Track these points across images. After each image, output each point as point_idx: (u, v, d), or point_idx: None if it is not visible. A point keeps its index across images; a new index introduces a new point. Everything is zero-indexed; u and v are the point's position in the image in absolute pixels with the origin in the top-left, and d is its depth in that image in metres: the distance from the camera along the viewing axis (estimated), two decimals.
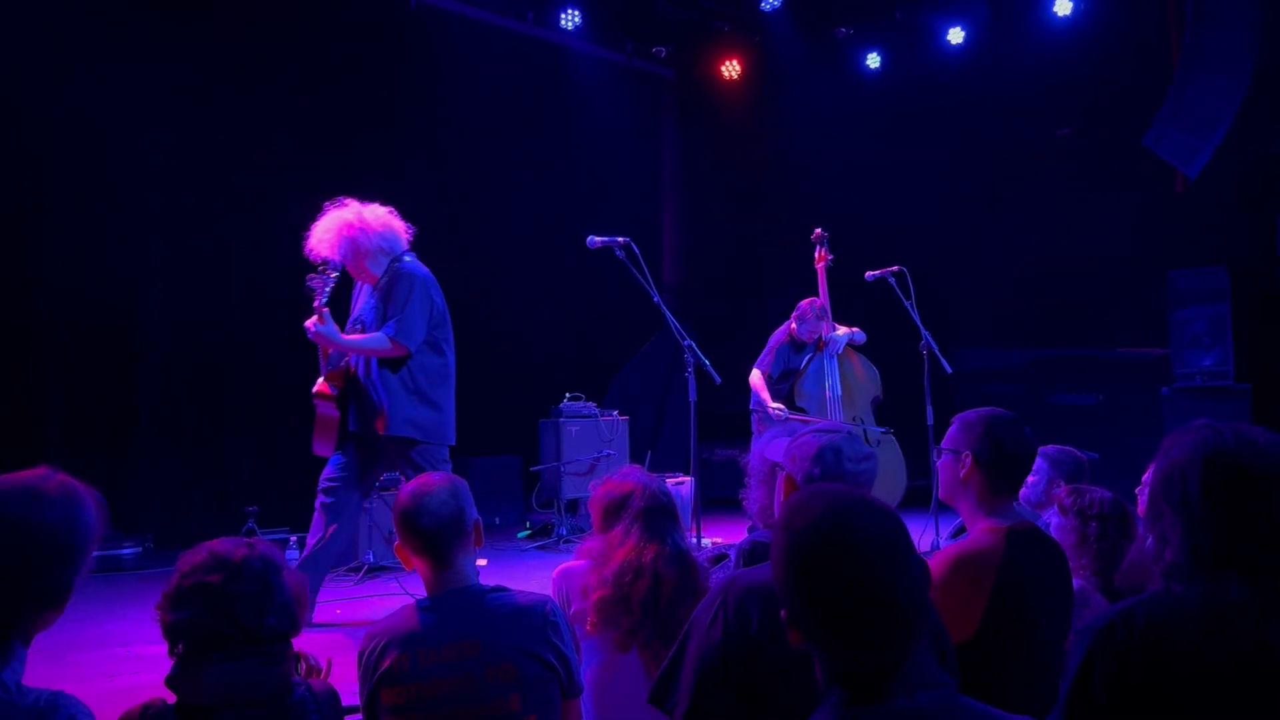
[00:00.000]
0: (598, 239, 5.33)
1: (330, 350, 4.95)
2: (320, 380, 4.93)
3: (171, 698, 1.90)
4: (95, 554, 1.84)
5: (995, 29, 9.46)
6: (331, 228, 4.83)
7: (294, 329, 8.06)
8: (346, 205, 4.89)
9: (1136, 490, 3.20)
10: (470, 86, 9.19)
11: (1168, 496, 1.60)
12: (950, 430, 2.57)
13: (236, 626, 1.87)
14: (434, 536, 2.35)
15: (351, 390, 4.87)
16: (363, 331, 4.87)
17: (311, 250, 4.84)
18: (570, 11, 9.38)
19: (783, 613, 1.46)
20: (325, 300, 4.71)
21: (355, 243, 4.83)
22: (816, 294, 7.24)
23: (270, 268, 8.07)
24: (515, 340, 9.70)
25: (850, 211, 9.51)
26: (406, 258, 5.00)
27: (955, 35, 9.63)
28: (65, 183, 7.13)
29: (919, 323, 5.99)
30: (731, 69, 10.50)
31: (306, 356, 8.17)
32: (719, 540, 6.50)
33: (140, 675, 4.03)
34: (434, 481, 2.44)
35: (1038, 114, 9.16)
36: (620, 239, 5.27)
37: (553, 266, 9.96)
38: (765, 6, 9.57)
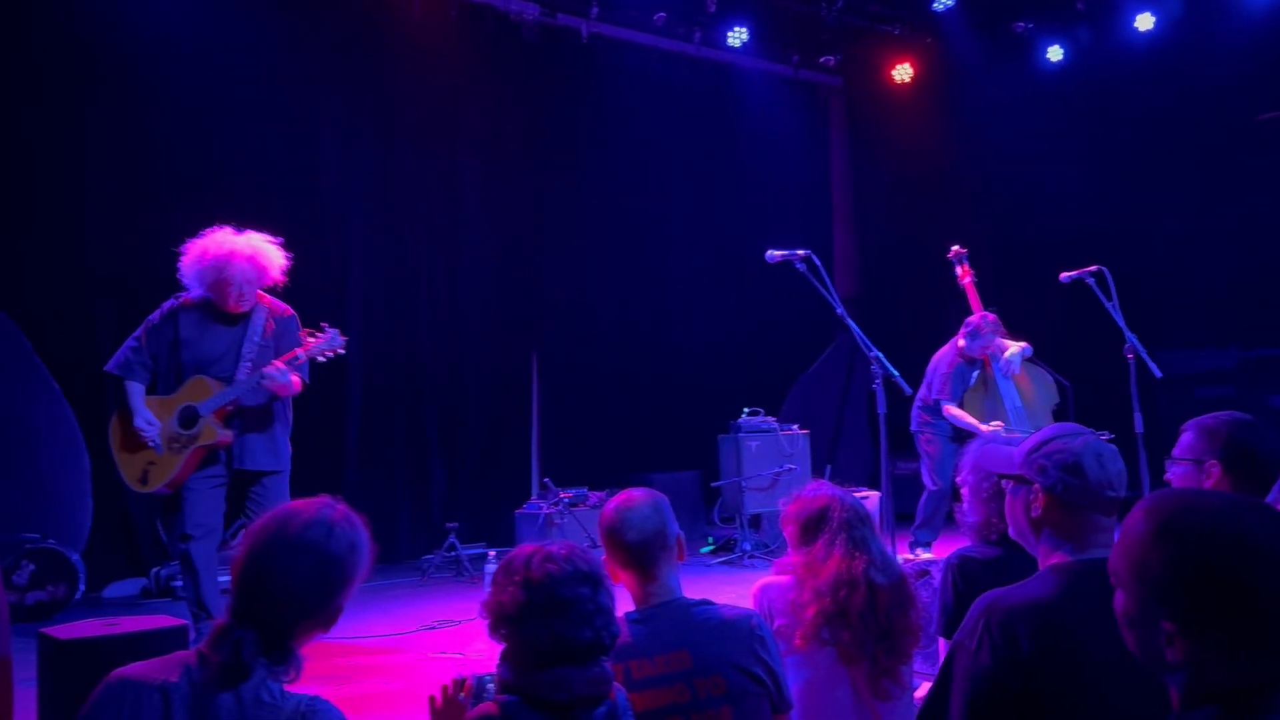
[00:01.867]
0: (777, 253, 5.26)
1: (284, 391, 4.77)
2: (212, 419, 4.64)
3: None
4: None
5: (1188, 12, 8.93)
6: (251, 256, 4.66)
7: (480, 349, 8.52)
8: (222, 231, 4.71)
9: None
10: (640, 109, 9.41)
11: None
12: (1184, 438, 2.42)
13: (604, 637, 1.96)
14: (639, 550, 2.40)
15: (240, 426, 4.72)
16: (252, 367, 4.70)
17: (281, 271, 4.78)
18: (737, 29, 9.45)
19: (1131, 632, 1.41)
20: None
21: (263, 273, 4.75)
22: (987, 303, 6.96)
23: (457, 291, 8.49)
24: (689, 356, 9.81)
25: (1037, 211, 9.17)
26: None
27: (1144, 21, 9.13)
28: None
29: (1123, 325, 5.65)
30: (903, 72, 10.28)
31: (488, 379, 8.58)
32: (909, 557, 6.33)
33: (370, 682, 4.27)
34: (637, 497, 2.49)
35: (1238, 99, 8.57)
36: (800, 251, 5.19)
37: (725, 281, 10.04)
38: (937, 6, 9.35)
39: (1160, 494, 1.45)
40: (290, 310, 4.92)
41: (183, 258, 4.69)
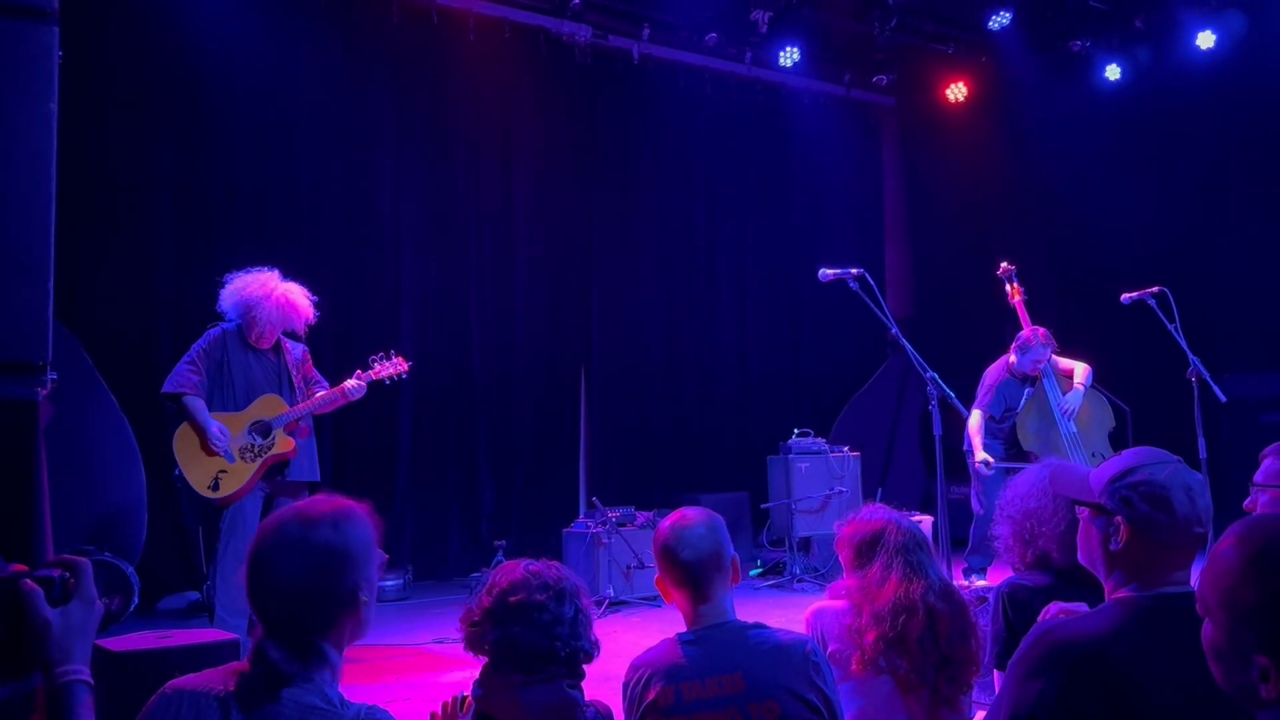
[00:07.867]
0: (829, 271, 5.20)
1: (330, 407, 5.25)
2: (282, 431, 5.07)
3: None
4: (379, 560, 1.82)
5: (1250, 30, 8.74)
6: (281, 303, 5.04)
7: (529, 367, 8.54)
8: (265, 273, 5.08)
9: None
10: (691, 129, 9.45)
11: None
12: (1268, 463, 2.32)
13: (557, 647, 1.95)
14: (694, 570, 2.35)
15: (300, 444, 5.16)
16: (292, 389, 5.21)
17: (305, 322, 5.17)
18: (789, 49, 9.42)
19: (1219, 666, 1.35)
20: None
21: (288, 320, 5.16)
22: (1046, 324, 6.80)
23: (508, 310, 8.54)
24: (738, 375, 9.77)
25: (1096, 232, 9.02)
26: None
27: (1205, 39, 8.95)
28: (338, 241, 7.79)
29: (1185, 348, 5.51)
30: (957, 91, 10.19)
31: (537, 396, 8.59)
32: (964, 584, 6.19)
33: (411, 702, 4.26)
34: (692, 516, 2.46)
35: None
36: (853, 270, 5.13)
37: (775, 301, 10.00)
38: (993, 25, 9.25)
39: (1253, 519, 1.37)
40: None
41: (224, 287, 5.07)
